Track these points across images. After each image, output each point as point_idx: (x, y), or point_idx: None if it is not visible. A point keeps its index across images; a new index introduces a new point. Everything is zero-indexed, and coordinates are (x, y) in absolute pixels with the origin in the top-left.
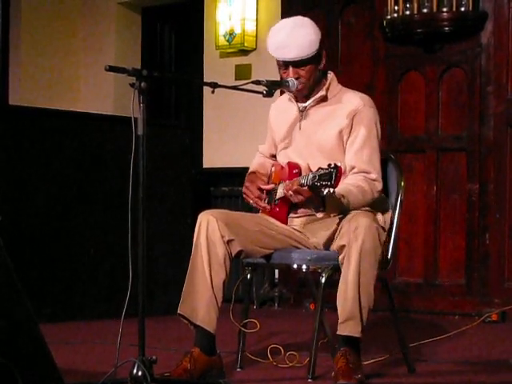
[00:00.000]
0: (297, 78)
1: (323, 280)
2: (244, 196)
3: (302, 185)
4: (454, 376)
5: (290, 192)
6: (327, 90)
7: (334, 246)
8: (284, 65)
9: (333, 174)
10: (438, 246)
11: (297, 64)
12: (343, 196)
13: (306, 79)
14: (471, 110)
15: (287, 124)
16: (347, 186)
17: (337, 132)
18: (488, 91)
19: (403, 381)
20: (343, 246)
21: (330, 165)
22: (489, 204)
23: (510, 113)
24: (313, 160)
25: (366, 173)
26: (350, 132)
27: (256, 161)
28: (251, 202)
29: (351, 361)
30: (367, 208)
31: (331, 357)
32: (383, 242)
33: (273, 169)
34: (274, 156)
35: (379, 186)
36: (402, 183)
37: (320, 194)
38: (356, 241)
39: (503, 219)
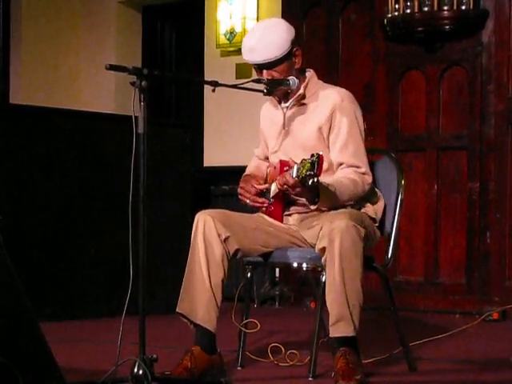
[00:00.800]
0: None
1: (323, 278)
2: (240, 197)
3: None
4: (455, 374)
5: (286, 186)
6: (305, 87)
7: (316, 249)
8: (258, 68)
9: (315, 163)
10: (438, 245)
11: (268, 66)
12: (335, 187)
13: None
14: (472, 109)
15: (275, 127)
16: (338, 178)
17: (316, 129)
18: (489, 90)
19: (404, 379)
20: (323, 249)
21: (312, 155)
22: (489, 203)
23: (510, 111)
24: (297, 158)
25: (356, 167)
26: (330, 128)
27: (252, 164)
28: (248, 201)
29: (351, 361)
30: (350, 203)
31: (332, 355)
32: (364, 237)
33: (268, 170)
34: (268, 158)
35: (369, 178)
36: (403, 182)
37: (306, 184)
38: (334, 242)
39: (504, 218)
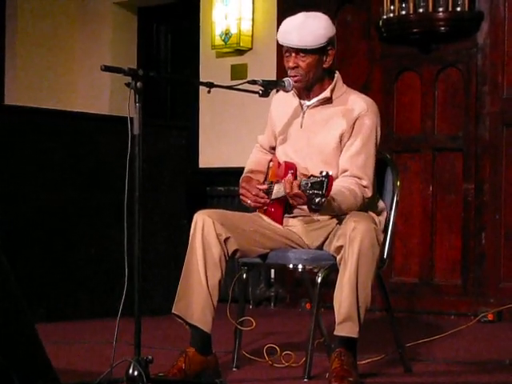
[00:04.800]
0: (295, 67)
1: (319, 280)
2: (241, 197)
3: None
4: (450, 376)
5: (291, 194)
6: (332, 91)
7: (332, 248)
8: (287, 51)
9: (324, 184)
10: (433, 246)
11: (297, 52)
12: (335, 198)
13: (305, 71)
14: (467, 110)
15: (288, 118)
16: (340, 187)
17: (338, 135)
18: (484, 91)
19: (399, 380)
20: (341, 247)
21: (321, 172)
22: (485, 204)
23: (505, 112)
24: (310, 161)
25: (358, 178)
26: (350, 136)
27: (252, 158)
28: (249, 201)
29: (346, 362)
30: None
31: (327, 356)
32: (382, 242)
33: (270, 164)
34: (273, 148)
35: (369, 193)
36: (398, 183)
37: (312, 202)
38: (354, 241)
39: (499, 219)
